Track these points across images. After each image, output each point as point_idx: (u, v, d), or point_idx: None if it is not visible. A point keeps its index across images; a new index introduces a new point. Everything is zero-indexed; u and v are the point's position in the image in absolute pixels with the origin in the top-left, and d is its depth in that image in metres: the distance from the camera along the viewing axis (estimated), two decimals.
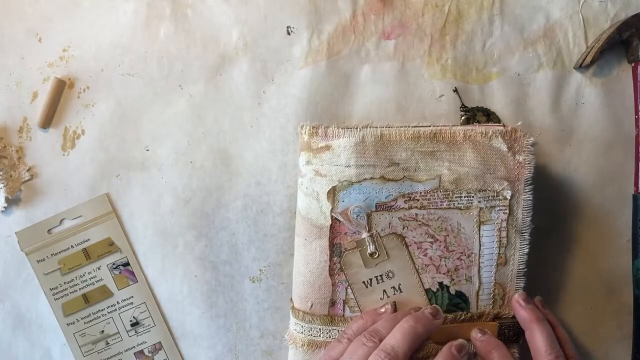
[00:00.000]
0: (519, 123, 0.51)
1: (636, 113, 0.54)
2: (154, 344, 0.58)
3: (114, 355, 0.58)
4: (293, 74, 0.55)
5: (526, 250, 0.50)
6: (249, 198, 0.56)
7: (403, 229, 0.49)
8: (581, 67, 0.54)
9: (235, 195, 0.56)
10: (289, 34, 0.56)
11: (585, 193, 0.55)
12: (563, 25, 0.54)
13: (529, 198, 0.49)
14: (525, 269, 0.50)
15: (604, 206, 0.55)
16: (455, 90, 0.54)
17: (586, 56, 0.53)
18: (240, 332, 0.57)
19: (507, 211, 0.49)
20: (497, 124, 0.52)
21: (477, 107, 0.55)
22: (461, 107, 0.54)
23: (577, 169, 0.55)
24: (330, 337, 0.50)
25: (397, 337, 0.45)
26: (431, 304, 0.50)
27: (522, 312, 0.49)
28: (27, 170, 0.57)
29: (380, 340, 0.45)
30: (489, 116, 0.54)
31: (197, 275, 0.57)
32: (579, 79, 0.55)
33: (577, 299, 0.55)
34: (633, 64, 0.53)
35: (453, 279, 0.50)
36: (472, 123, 0.54)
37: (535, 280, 0.55)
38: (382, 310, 0.49)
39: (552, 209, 0.55)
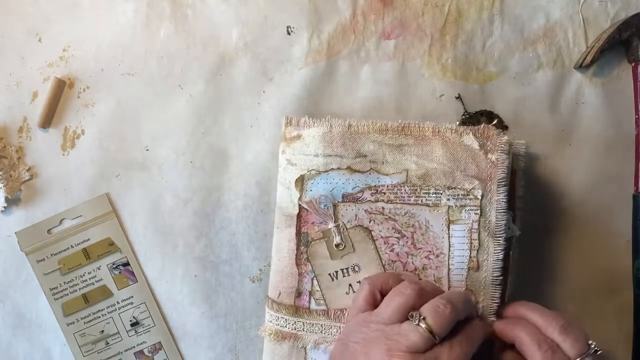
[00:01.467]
0: (493, 123, 0.50)
1: (636, 113, 0.54)
2: (154, 344, 0.58)
3: (114, 355, 0.58)
4: (293, 73, 0.55)
5: (501, 256, 0.47)
6: (248, 198, 0.56)
7: (369, 222, 0.49)
8: (581, 67, 0.54)
9: (235, 195, 0.56)
10: (289, 33, 0.56)
11: (585, 193, 0.55)
12: (563, 25, 0.54)
13: (502, 199, 0.47)
14: (501, 277, 0.48)
15: (604, 206, 0.55)
16: (459, 97, 0.54)
17: (586, 56, 0.53)
18: (240, 332, 0.57)
19: (478, 212, 0.47)
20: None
21: (481, 111, 0.54)
22: (464, 113, 0.54)
23: (577, 169, 0.55)
24: (295, 328, 0.49)
25: (454, 293, 0.43)
26: None
27: (533, 316, 0.44)
28: (27, 170, 0.57)
29: (421, 289, 0.42)
30: (492, 119, 0.54)
31: (197, 275, 0.57)
32: (579, 79, 0.55)
33: (577, 299, 0.55)
34: (633, 64, 0.53)
35: (421, 279, 0.48)
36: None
37: (535, 280, 0.55)
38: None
39: (552, 209, 0.55)
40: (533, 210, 0.54)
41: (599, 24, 0.54)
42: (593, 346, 0.41)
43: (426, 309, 0.41)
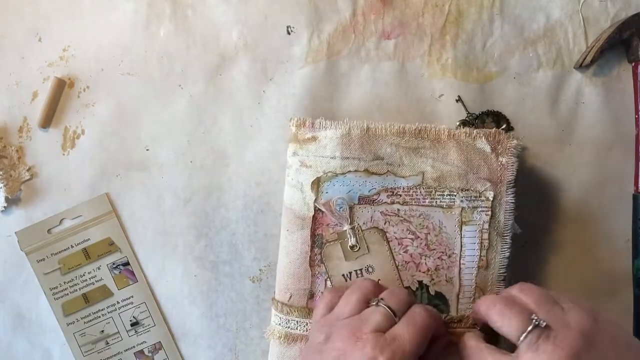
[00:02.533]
0: (503, 127, 0.51)
1: (636, 112, 0.54)
2: (154, 344, 0.58)
3: (114, 355, 0.58)
4: (293, 73, 0.55)
5: (507, 254, 0.49)
6: (249, 198, 0.56)
7: (384, 223, 0.49)
8: (581, 66, 0.54)
9: (235, 195, 0.56)
10: (289, 33, 0.56)
11: (585, 193, 0.55)
12: (563, 24, 0.54)
13: (511, 201, 0.49)
14: (506, 274, 0.50)
15: (604, 206, 0.55)
16: (459, 100, 0.54)
17: (586, 56, 0.53)
18: (240, 332, 0.57)
19: (489, 212, 0.49)
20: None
21: (487, 111, 0.54)
22: (467, 114, 0.54)
23: (577, 169, 0.55)
24: (307, 330, 0.50)
25: (401, 288, 0.46)
26: None
27: (479, 309, 0.42)
28: (27, 170, 0.57)
29: (374, 283, 0.45)
30: (499, 121, 0.54)
31: (197, 275, 0.57)
32: (579, 79, 0.55)
33: None
34: (633, 64, 0.53)
35: (433, 279, 0.50)
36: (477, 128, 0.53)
37: (535, 280, 0.55)
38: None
39: (552, 209, 0.55)
40: (533, 210, 0.54)
41: (599, 23, 0.54)
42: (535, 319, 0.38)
43: (384, 293, 0.44)
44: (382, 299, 0.43)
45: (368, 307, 0.43)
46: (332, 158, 0.49)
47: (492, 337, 0.43)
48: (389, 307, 0.42)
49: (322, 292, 0.49)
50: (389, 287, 0.46)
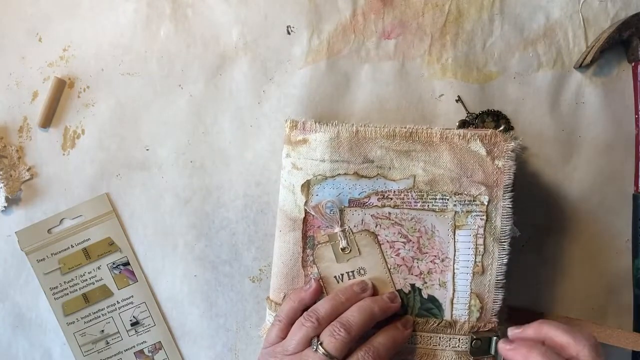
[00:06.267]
0: (501, 128, 0.50)
1: (636, 112, 0.54)
2: (154, 344, 0.58)
3: (114, 355, 0.58)
4: (293, 73, 0.55)
5: (505, 261, 0.48)
6: (249, 198, 0.56)
7: (376, 226, 0.49)
8: (581, 66, 0.54)
9: (235, 195, 0.56)
10: (289, 33, 0.56)
11: (585, 193, 0.55)
12: (563, 24, 0.54)
13: (508, 205, 0.48)
14: (505, 281, 0.48)
15: (604, 206, 0.55)
16: (459, 100, 0.54)
17: (586, 56, 0.53)
18: (240, 331, 0.57)
19: (484, 217, 0.48)
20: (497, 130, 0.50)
21: (487, 110, 0.54)
22: (467, 114, 0.54)
23: (577, 169, 0.55)
24: None
25: (353, 312, 0.46)
26: (402, 305, 0.49)
27: (513, 355, 0.44)
28: (27, 170, 0.58)
29: (318, 320, 0.46)
30: (499, 120, 0.54)
31: (197, 275, 0.57)
32: (579, 79, 0.55)
33: (577, 299, 0.55)
34: (633, 64, 0.53)
35: (426, 282, 0.49)
36: (477, 128, 0.53)
37: (535, 281, 0.55)
38: (307, 287, 0.49)
39: (552, 209, 0.55)
40: (532, 211, 0.54)
41: (599, 23, 0.54)
42: None
43: (324, 334, 0.45)
44: (322, 342, 0.45)
45: (310, 345, 0.45)
46: (321, 161, 0.49)
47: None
48: (327, 353, 0.44)
49: (273, 320, 0.49)
50: (345, 303, 0.47)
